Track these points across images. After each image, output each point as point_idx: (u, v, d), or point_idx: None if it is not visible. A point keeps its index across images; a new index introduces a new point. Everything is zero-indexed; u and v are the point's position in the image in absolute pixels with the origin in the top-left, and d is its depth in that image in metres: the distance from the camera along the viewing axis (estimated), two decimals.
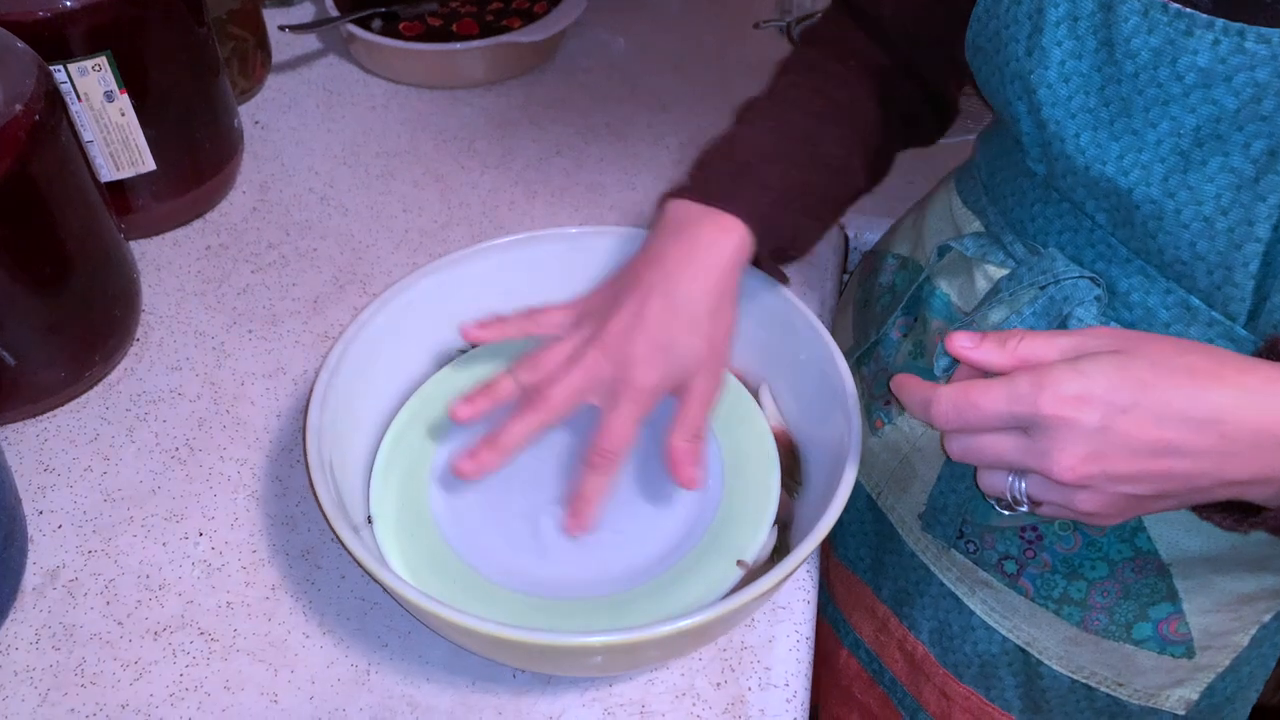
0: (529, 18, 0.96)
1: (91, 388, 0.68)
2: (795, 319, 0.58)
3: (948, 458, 0.48)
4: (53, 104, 0.60)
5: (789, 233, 0.56)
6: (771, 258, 0.57)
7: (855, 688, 0.70)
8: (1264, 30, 0.41)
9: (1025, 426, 0.41)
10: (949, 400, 0.42)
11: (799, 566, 0.47)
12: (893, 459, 0.61)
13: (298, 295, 0.75)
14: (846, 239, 0.81)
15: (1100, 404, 0.39)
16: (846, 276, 0.81)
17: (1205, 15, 0.42)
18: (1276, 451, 0.39)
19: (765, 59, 0.98)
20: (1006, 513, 0.45)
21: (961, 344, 0.43)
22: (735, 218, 0.53)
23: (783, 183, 0.55)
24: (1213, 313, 0.47)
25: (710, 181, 0.55)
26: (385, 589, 0.48)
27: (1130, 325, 0.50)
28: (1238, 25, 0.42)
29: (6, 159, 0.57)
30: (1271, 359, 0.41)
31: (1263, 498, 0.41)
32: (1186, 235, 0.46)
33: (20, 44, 0.61)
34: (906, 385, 0.45)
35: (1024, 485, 0.43)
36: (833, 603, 0.71)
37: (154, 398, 0.68)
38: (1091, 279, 0.50)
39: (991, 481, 0.44)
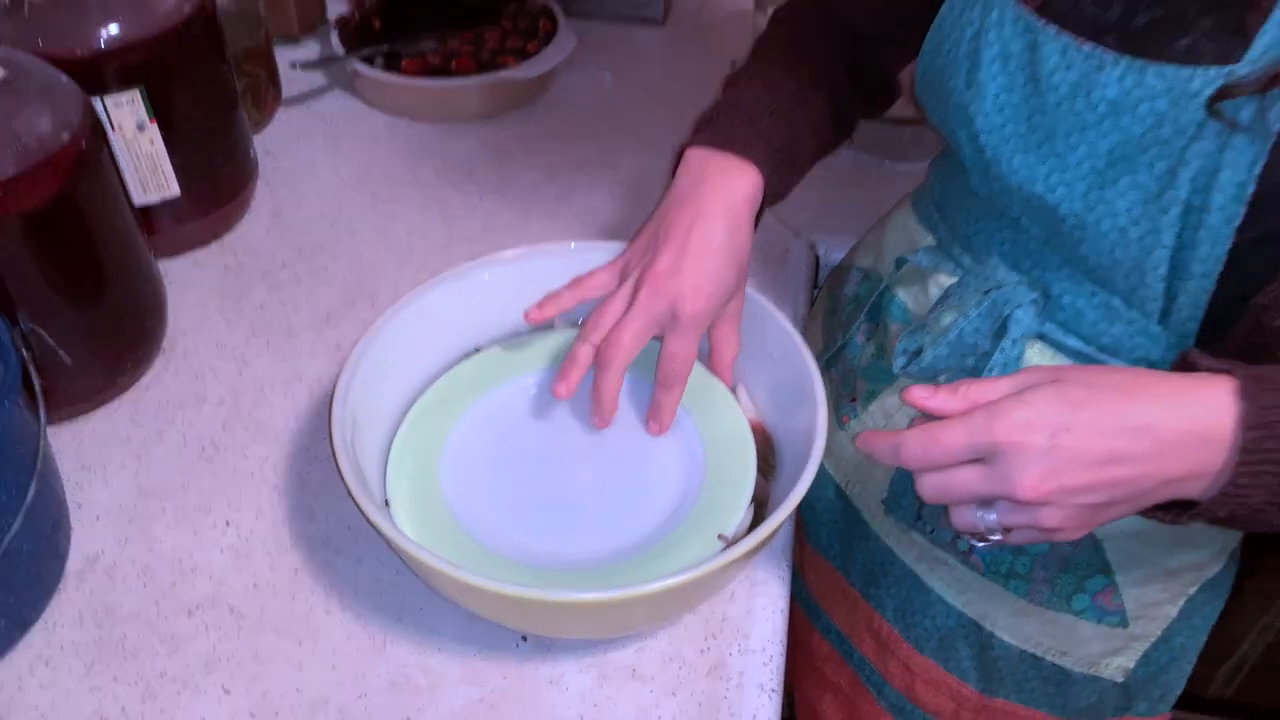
0: (522, 55, 1.03)
1: (123, 393, 0.73)
2: (770, 324, 0.65)
3: None
4: (96, 133, 0.66)
5: (786, 183, 0.65)
6: (767, 202, 0.64)
7: (827, 669, 0.76)
8: (1162, 67, 0.48)
9: (985, 457, 0.46)
10: (916, 441, 0.47)
11: (773, 534, 0.53)
12: (858, 451, 0.67)
13: (311, 310, 0.81)
14: (817, 257, 0.88)
15: (1046, 426, 0.45)
16: (816, 290, 0.87)
17: (1113, 54, 0.50)
18: (1202, 449, 0.44)
19: None
20: (981, 545, 0.51)
21: (919, 395, 0.49)
22: (750, 163, 0.61)
23: (783, 135, 0.63)
24: (1131, 312, 0.54)
25: (724, 131, 0.63)
26: (404, 556, 0.54)
27: (1062, 324, 0.57)
28: (1140, 62, 0.49)
29: (56, 182, 0.63)
30: (1185, 370, 0.47)
31: (1198, 492, 0.46)
32: (1105, 244, 0.53)
33: (66, 79, 0.67)
34: (873, 438, 0.50)
35: (993, 517, 0.48)
36: (806, 589, 0.77)
37: (180, 402, 0.73)
38: (1030, 285, 0.57)
39: (963, 519, 0.49)
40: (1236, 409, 0.44)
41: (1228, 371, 0.45)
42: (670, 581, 0.49)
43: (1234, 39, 0.46)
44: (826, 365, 0.71)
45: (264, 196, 0.91)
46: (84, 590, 0.62)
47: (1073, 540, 0.50)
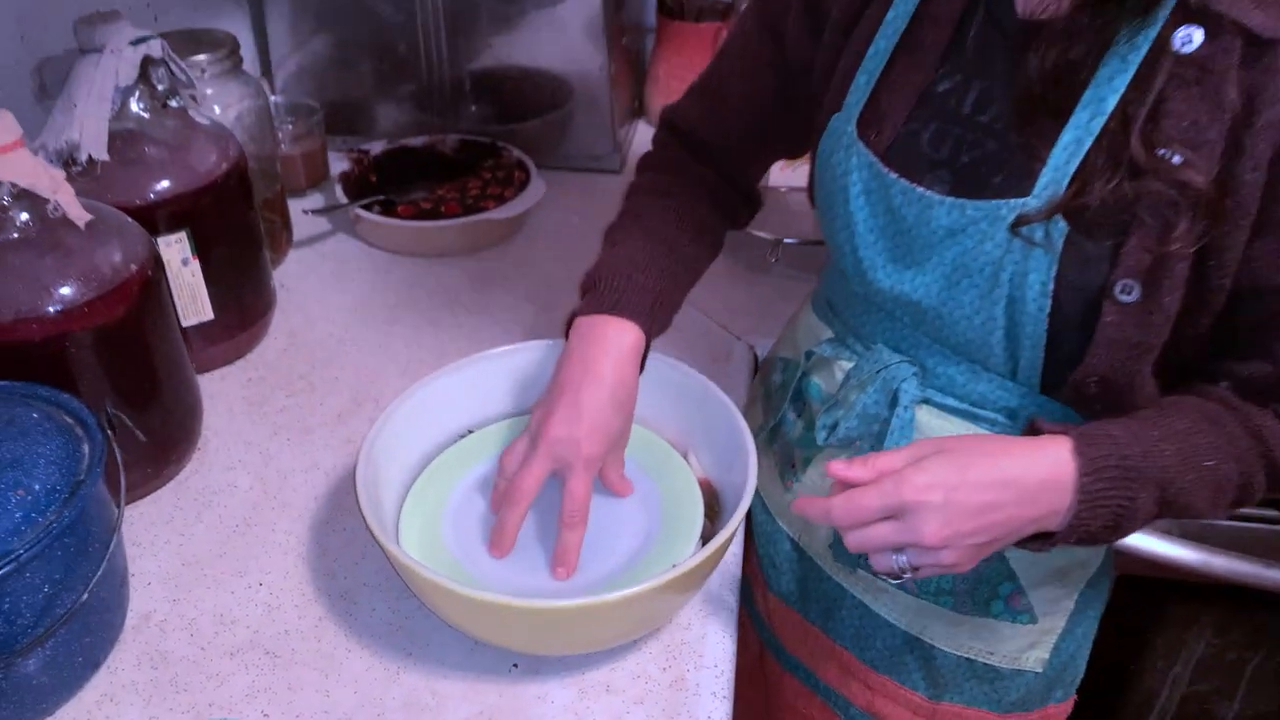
0: (500, 200, 1.21)
1: (166, 484, 0.86)
2: (713, 402, 0.79)
3: None
4: (156, 265, 0.82)
5: (666, 320, 0.77)
6: (650, 340, 0.76)
7: (799, 704, 0.87)
8: (978, 202, 0.64)
9: (895, 514, 0.60)
10: (841, 506, 0.61)
11: (716, 555, 0.66)
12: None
13: (324, 412, 0.94)
14: (755, 355, 1.03)
15: (941, 486, 0.59)
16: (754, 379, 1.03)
17: (939, 195, 0.65)
18: (1053, 493, 0.60)
19: None
20: (895, 583, 0.65)
21: (837, 468, 0.63)
22: (630, 320, 0.73)
23: (657, 284, 0.75)
24: (989, 373, 0.69)
25: (605, 297, 0.74)
26: (415, 579, 0.66)
27: (940, 389, 0.71)
28: (960, 201, 0.64)
29: (125, 304, 0.77)
30: (1033, 434, 0.63)
31: (1055, 526, 0.61)
32: (958, 328, 0.68)
33: (132, 221, 0.83)
34: (807, 505, 0.64)
35: (905, 559, 0.61)
36: (774, 635, 0.88)
37: (215, 490, 0.86)
38: (909, 362, 0.72)
39: (881, 563, 0.63)
40: (1074, 462, 0.59)
41: (1064, 433, 0.61)
42: (628, 591, 0.62)
43: (1027, 179, 0.62)
44: (768, 440, 0.85)
45: (281, 321, 1.06)
46: (140, 642, 0.73)
47: (965, 571, 0.63)
